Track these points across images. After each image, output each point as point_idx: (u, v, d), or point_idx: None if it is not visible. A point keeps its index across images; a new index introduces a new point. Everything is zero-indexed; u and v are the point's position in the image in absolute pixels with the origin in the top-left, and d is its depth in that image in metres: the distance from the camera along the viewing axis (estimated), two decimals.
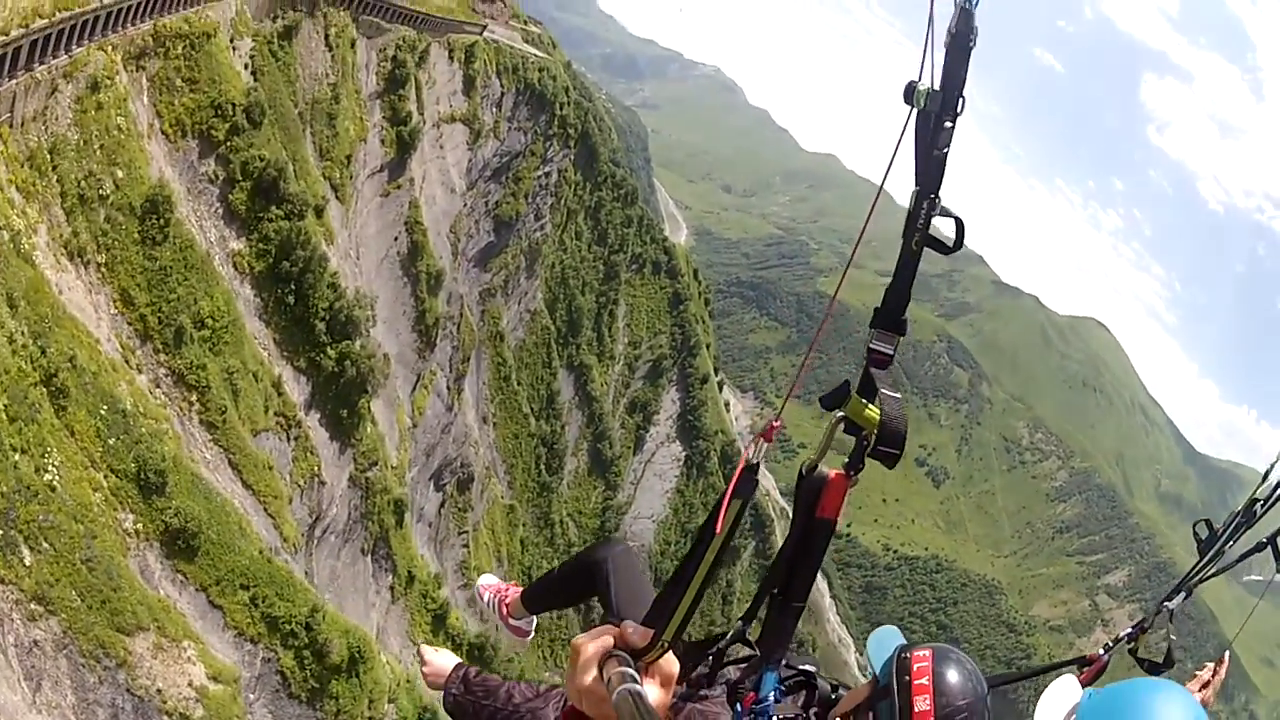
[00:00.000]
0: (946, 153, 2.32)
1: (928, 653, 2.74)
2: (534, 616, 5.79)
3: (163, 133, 52.87)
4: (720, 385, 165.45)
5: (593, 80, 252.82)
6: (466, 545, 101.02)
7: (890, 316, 2.50)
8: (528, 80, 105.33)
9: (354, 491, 72.42)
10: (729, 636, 3.34)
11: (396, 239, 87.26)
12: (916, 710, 2.61)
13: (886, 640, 2.99)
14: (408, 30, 79.78)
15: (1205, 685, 4.34)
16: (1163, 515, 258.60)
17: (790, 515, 2.98)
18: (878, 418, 2.41)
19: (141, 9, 49.05)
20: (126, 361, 46.45)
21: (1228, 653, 4.67)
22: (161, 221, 47.83)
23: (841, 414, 2.50)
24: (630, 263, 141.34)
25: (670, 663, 2.05)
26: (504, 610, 5.75)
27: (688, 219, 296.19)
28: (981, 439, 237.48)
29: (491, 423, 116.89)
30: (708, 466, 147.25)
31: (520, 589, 5.76)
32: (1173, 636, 4.14)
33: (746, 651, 3.36)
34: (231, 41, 58.00)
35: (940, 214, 2.39)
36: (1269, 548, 4.24)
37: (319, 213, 67.41)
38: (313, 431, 65.77)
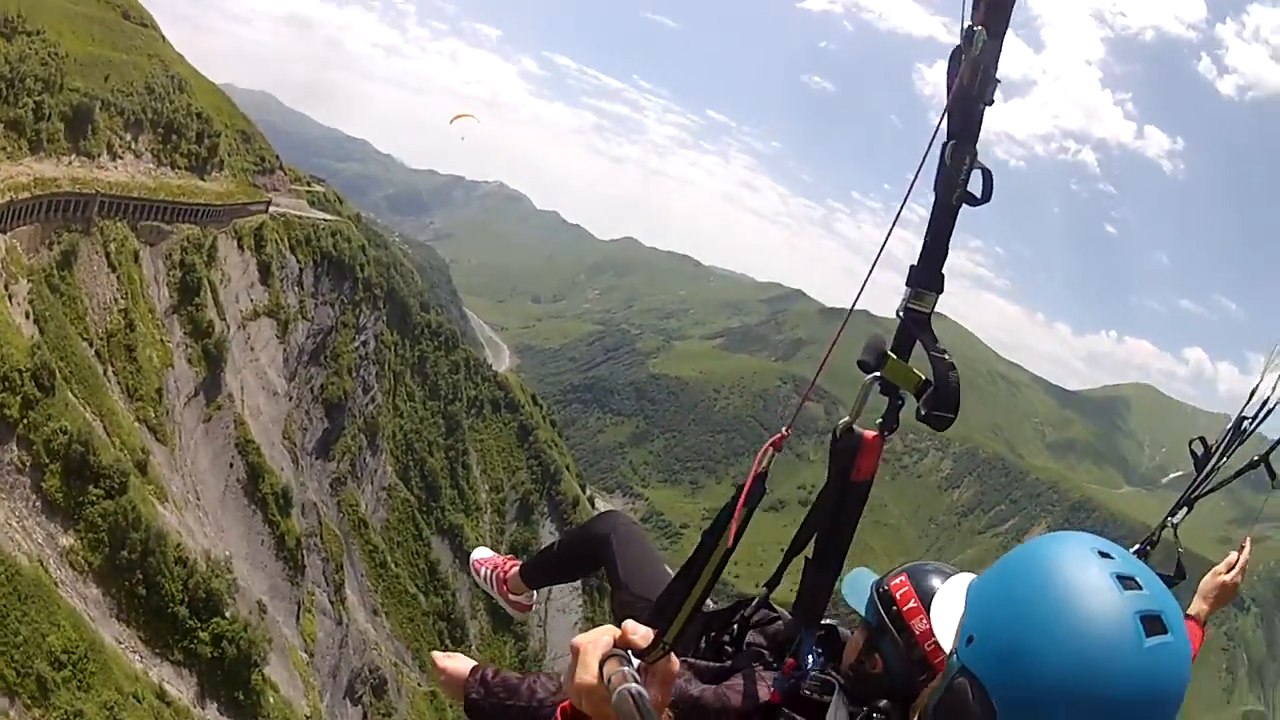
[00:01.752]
0: (989, 105, 2.20)
1: (903, 576, 2.69)
2: (534, 591, 5.44)
3: None
4: (591, 501, 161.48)
5: (383, 224, 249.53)
6: None
7: (928, 273, 2.39)
8: (323, 249, 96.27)
9: None
10: (755, 603, 3.32)
11: (232, 465, 75.61)
12: (918, 633, 2.57)
13: (860, 581, 2.91)
14: (190, 227, 68.99)
15: (1233, 567, 4.18)
16: (1058, 463, 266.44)
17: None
18: (917, 377, 2.34)
19: None
20: None
21: (1249, 538, 4.36)
22: None
23: (877, 374, 2.39)
24: (469, 409, 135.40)
25: (671, 662, 2.01)
26: (503, 587, 5.40)
27: (507, 339, 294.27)
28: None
29: (383, 613, 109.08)
30: (605, 587, 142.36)
31: (518, 564, 5.37)
32: (1180, 549, 4.14)
33: (770, 616, 3.31)
34: (5, 288, 46.45)
35: (976, 167, 2.25)
36: (1263, 464, 4.29)
37: (143, 469, 56.47)
38: None
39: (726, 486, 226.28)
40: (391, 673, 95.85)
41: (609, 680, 1.83)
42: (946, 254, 2.39)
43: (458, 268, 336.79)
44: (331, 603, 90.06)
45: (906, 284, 2.42)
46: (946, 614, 2.32)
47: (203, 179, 72.68)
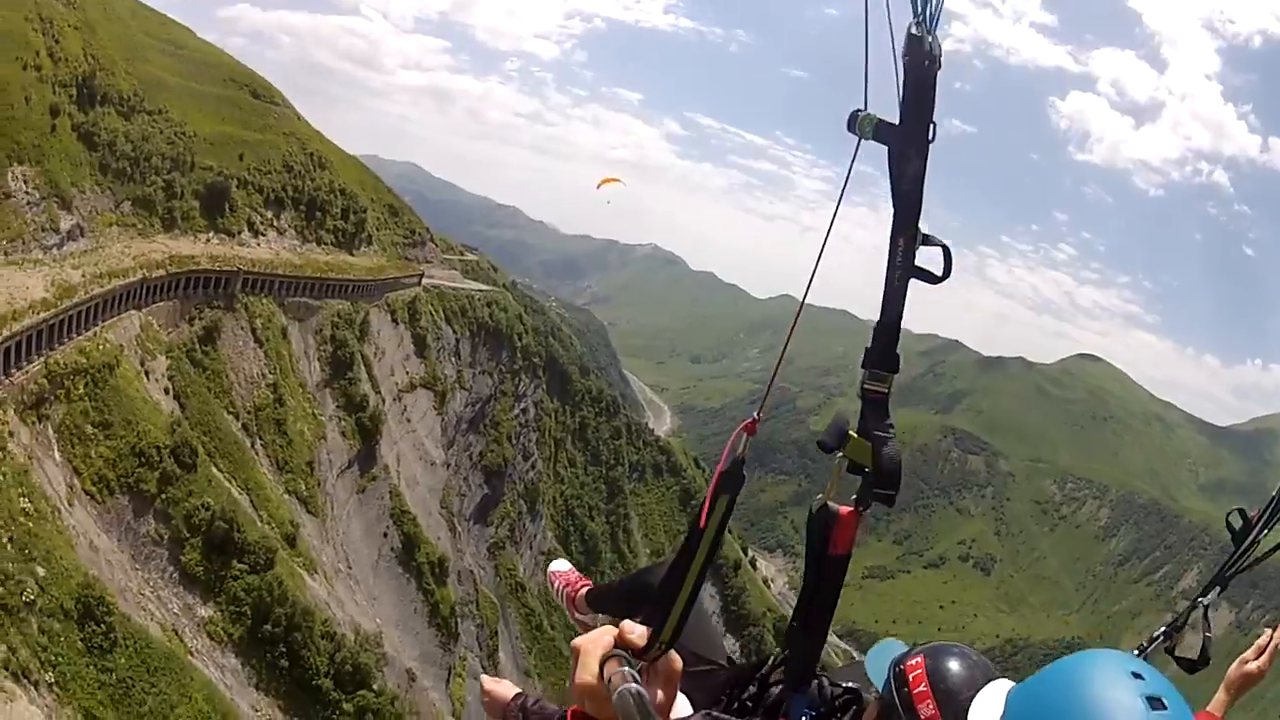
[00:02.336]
0: (916, 187, 2.28)
1: (919, 658, 2.69)
2: (598, 615, 5.26)
3: (85, 492, 42.72)
4: (753, 563, 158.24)
5: (539, 290, 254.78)
6: None
7: (882, 355, 2.48)
8: (479, 320, 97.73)
9: None
10: (772, 661, 3.36)
11: (386, 535, 76.62)
12: (923, 717, 2.56)
13: (883, 655, 2.93)
14: (341, 303, 71.05)
15: (1262, 652, 3.93)
16: (1211, 505, 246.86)
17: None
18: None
19: (25, 346, 39.39)
20: None
21: None
22: (104, 627, 36.64)
23: (842, 455, 2.51)
24: (630, 473, 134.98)
25: (673, 661, 2.06)
26: (570, 605, 5.31)
27: (667, 400, 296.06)
28: (1016, 513, 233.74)
29: (535, 675, 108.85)
30: (763, 649, 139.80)
31: (588, 586, 5.28)
32: (1207, 634, 3.98)
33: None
34: (142, 365, 48.48)
35: (924, 244, 2.36)
36: None
37: (291, 542, 57.15)
38: None
39: (888, 544, 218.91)
40: None
41: (609, 680, 1.87)
42: (898, 335, 2.43)
43: (616, 330, 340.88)
44: (484, 667, 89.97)
45: (863, 366, 2.47)
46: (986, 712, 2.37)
47: (351, 254, 75.04)
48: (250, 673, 49.33)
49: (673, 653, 2.05)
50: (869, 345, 2.46)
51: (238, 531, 48.83)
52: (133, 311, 48.43)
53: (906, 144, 2.23)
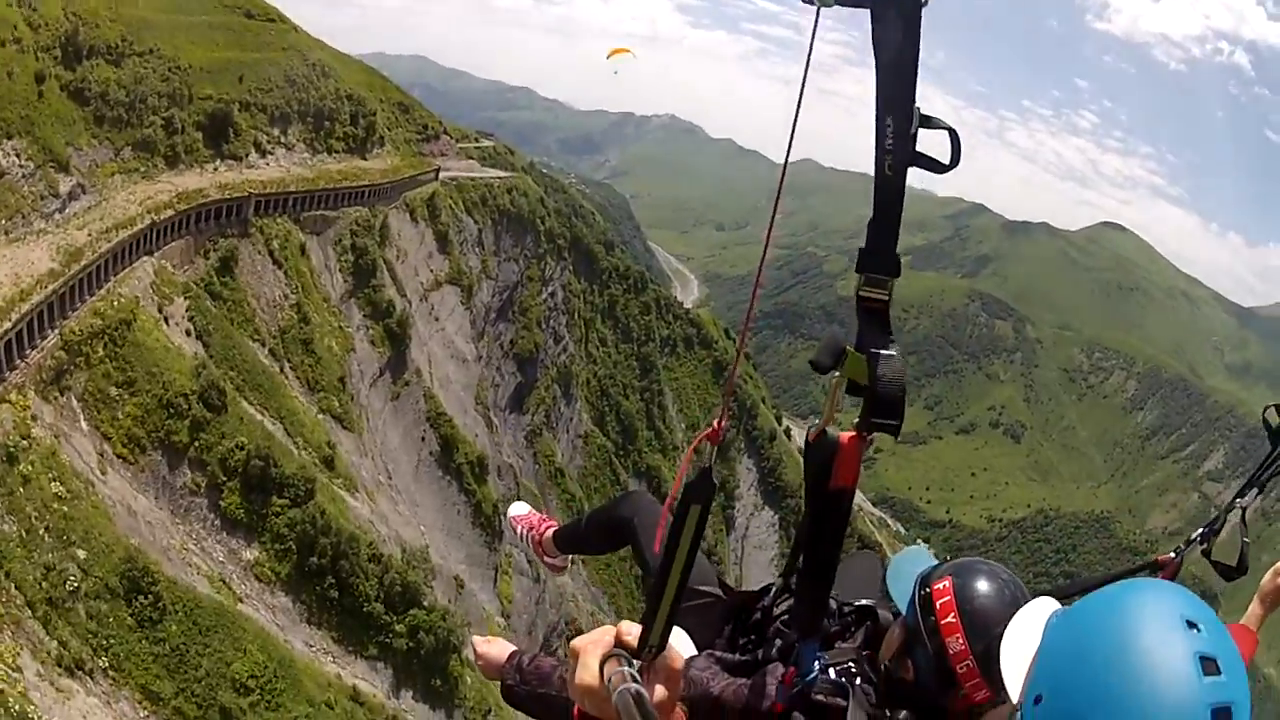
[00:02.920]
0: (904, 55, 1.95)
1: (947, 581, 2.53)
2: (567, 555, 5.47)
3: (118, 456, 41.54)
4: (787, 432, 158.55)
5: (557, 168, 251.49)
6: None
7: (878, 256, 2.18)
8: (500, 207, 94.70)
9: None
10: (772, 593, 3.27)
11: (424, 439, 75.84)
12: (953, 652, 2.45)
13: (906, 569, 2.75)
14: (358, 210, 68.23)
15: None
16: (1237, 386, 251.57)
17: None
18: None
19: (37, 324, 37.60)
20: None
21: None
22: (151, 598, 35.94)
23: (836, 373, 2.28)
24: (662, 349, 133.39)
25: (674, 660, 2.02)
26: (538, 547, 5.50)
27: (693, 269, 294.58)
28: (1044, 380, 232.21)
29: (579, 561, 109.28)
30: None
31: (553, 528, 5.44)
32: (1245, 539, 3.74)
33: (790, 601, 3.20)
34: (160, 311, 46.51)
35: (925, 126, 2.02)
36: None
37: (330, 464, 56.24)
38: (410, 716, 54.44)
39: (919, 409, 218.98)
40: (588, 623, 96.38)
41: (609, 680, 1.84)
42: (897, 231, 2.13)
43: (638, 203, 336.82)
44: (530, 562, 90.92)
45: (857, 270, 2.17)
46: (1017, 654, 2.15)
47: (364, 159, 71.69)
48: (301, 609, 49.15)
49: (672, 651, 1.96)
50: (863, 246, 2.15)
51: (274, 467, 47.70)
52: (145, 259, 46.20)
53: (883, 5, 1.89)
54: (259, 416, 50.63)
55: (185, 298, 47.86)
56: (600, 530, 4.96)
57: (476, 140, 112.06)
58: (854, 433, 2.34)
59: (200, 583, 41.59)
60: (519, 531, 5.71)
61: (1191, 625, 1.76)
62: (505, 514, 5.64)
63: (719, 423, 2.13)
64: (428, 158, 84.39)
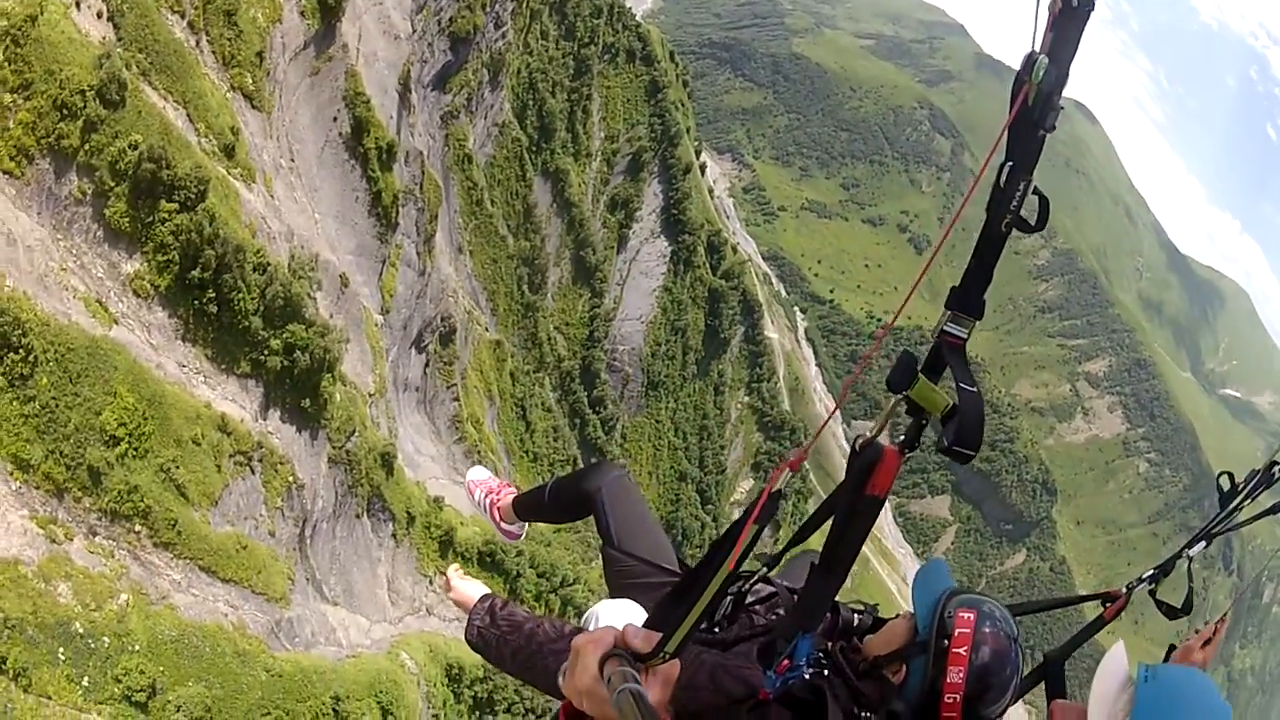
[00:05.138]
0: (1050, 133, 2.10)
1: (972, 615, 2.71)
2: (525, 523, 5.51)
3: (5, 173, 36.32)
4: (703, 168, 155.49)
5: None
6: (456, 398, 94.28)
7: (968, 298, 2.31)
8: None
9: (336, 470, 62.51)
10: (754, 578, 3.36)
11: (336, 119, 69.90)
12: (949, 682, 2.61)
13: (932, 581, 2.91)
14: None
15: (1207, 643, 4.17)
16: (1143, 314, 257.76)
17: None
18: (944, 403, 2.29)
19: None
20: (54, 541, 35.25)
21: (1227, 615, 4.62)
22: (21, 353, 32.89)
23: (904, 393, 2.39)
24: (602, 54, 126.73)
25: (673, 665, 2.09)
26: (495, 514, 5.51)
27: None
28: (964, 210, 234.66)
29: (468, 251, 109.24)
30: (695, 260, 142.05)
31: (512, 494, 5.48)
32: (1191, 585, 4.18)
33: (767, 590, 3.40)
34: None
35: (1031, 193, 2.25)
36: None
37: (230, 152, 51.43)
38: (276, 437, 54.78)
39: (835, 185, 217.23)
40: (463, 320, 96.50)
41: (609, 680, 1.87)
42: (991, 279, 2.29)
43: None
44: (419, 254, 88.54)
45: (946, 306, 2.32)
46: (1103, 703, 2.50)
47: None
48: (178, 324, 46.31)
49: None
50: (955, 285, 2.28)
51: (166, 168, 42.86)
52: None
53: (1058, 87, 1.98)
54: (161, 104, 44.95)
55: None
56: (564, 499, 4.93)
57: None
58: (896, 448, 2.40)
59: (75, 309, 38.34)
60: (476, 497, 5.57)
61: None
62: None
63: (804, 452, 2.36)
64: None
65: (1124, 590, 3.99)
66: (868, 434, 2.46)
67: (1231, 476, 4.32)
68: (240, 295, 49.42)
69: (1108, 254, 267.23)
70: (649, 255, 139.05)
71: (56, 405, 35.08)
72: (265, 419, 53.69)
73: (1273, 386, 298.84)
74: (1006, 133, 2.07)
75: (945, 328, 2.30)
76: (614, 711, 1.74)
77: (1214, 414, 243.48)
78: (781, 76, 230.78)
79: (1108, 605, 3.98)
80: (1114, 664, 2.54)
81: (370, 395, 72.72)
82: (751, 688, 2.90)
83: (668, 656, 1.98)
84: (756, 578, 3.33)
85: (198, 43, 50.26)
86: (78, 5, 37.89)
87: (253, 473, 50.38)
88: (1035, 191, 2.17)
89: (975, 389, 2.23)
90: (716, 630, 3.26)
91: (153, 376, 41.80)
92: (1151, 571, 4.18)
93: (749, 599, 3.36)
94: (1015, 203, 2.14)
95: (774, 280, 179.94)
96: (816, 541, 2.74)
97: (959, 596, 2.74)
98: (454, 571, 4.18)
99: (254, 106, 58.02)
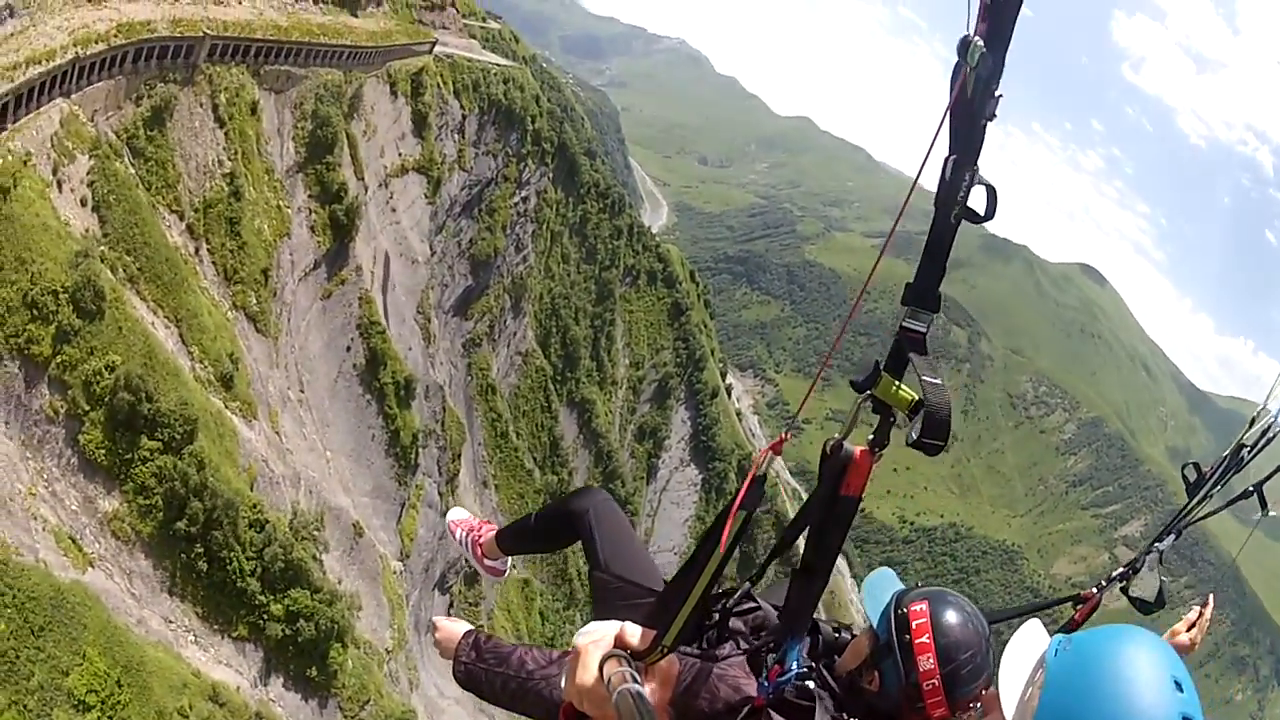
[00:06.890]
0: (990, 121, 2.13)
1: (924, 605, 2.69)
2: (509, 557, 5.36)
3: None
4: (729, 390, 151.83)
5: (557, 65, 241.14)
6: None
7: (924, 293, 2.37)
8: (492, 97, 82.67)
9: None
10: (737, 595, 3.34)
11: (350, 349, 64.81)
12: (922, 670, 2.61)
13: (881, 586, 2.97)
14: (331, 72, 55.58)
15: (1192, 626, 4.07)
16: (1172, 465, 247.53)
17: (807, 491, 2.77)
18: (910, 398, 2.34)
19: None
20: None
21: (1211, 595, 4.31)
22: None
23: (869, 392, 2.43)
24: (624, 277, 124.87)
25: (670, 663, 2.13)
26: (478, 550, 5.33)
27: (667, 196, 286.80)
28: (986, 397, 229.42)
29: (492, 485, 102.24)
30: (726, 488, 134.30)
31: (494, 530, 5.30)
32: (1163, 578, 4.14)
33: (750, 605, 3.36)
34: (54, 174, 34.52)
35: (977, 183, 2.23)
36: (1255, 494, 4.26)
37: (228, 383, 45.20)
38: (279, 705, 46.83)
39: (853, 392, 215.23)
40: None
41: (609, 680, 1.91)
42: (945, 272, 2.32)
43: (629, 117, 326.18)
44: (440, 494, 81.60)
45: (903, 302, 2.36)
46: (1014, 677, 2.44)
47: (354, 16, 58.65)
48: (163, 576, 38.86)
49: (671, 656, 2.00)
50: (910, 282, 2.29)
51: (147, 401, 36.55)
52: (59, 101, 34.32)
53: (994, 76, 2.02)
54: (148, 319, 39.27)
55: (91, 156, 35.94)
56: (552, 524, 4.74)
57: (484, 20, 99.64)
58: (866, 448, 2.43)
59: (45, 543, 31.05)
60: (458, 536, 5.39)
61: (1178, 686, 2.06)
62: (446, 518, 5.49)
63: (784, 435, 2.36)
64: (427, 28, 71.19)
65: (1095, 590, 3.90)
66: (835, 437, 2.39)
67: (1198, 466, 4.20)
68: (234, 555, 42.04)
69: (1131, 412, 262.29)
70: (679, 484, 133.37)
71: (18, 656, 27.61)
72: (266, 685, 45.13)
73: None
74: (947, 125, 2.04)
75: (905, 323, 2.28)
76: (614, 711, 1.75)
77: (1254, 541, 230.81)
78: (797, 286, 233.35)
79: (1079, 607, 3.88)
80: (1022, 642, 2.49)
81: (388, 651, 63.70)
82: (746, 695, 2.80)
83: (665, 650, 1.99)
84: (740, 594, 3.23)
85: (196, 250, 45.49)
86: (59, 186, 32.79)
87: None
88: (983, 183, 2.13)
89: (939, 381, 2.19)
90: (705, 647, 3.10)
91: (130, 639, 33.86)
92: (1121, 570, 4.08)
93: (732, 621, 3.20)
94: (962, 194, 2.12)
95: (803, 496, 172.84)
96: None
97: (909, 594, 2.68)
98: (439, 616, 4.08)
99: (259, 330, 52.72)
